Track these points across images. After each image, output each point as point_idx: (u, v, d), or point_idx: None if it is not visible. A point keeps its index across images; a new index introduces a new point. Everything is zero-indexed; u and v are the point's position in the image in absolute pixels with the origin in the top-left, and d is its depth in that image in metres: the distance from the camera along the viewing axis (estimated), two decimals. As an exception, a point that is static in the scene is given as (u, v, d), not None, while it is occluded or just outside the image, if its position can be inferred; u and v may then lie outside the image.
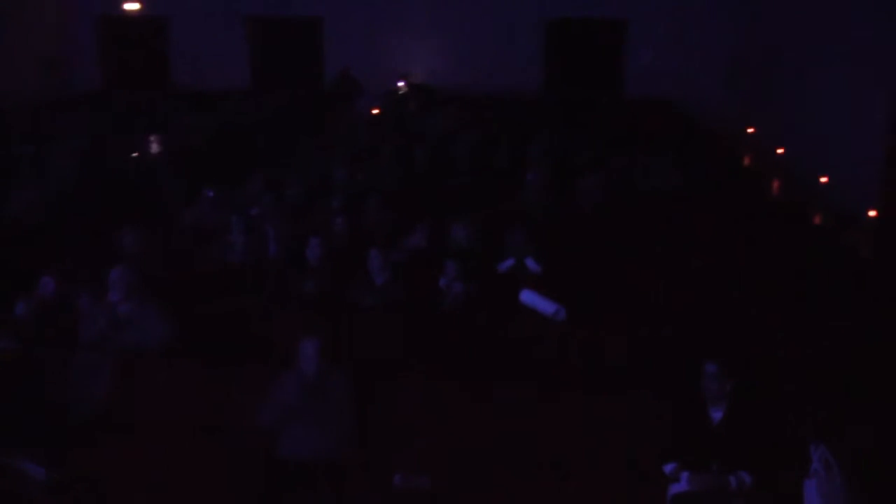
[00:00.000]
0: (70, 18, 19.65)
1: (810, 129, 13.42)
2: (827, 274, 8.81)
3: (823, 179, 12.60)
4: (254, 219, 9.73)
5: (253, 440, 5.78)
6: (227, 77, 18.77)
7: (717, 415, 5.37)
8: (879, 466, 5.42)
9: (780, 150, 14.64)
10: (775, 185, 13.75)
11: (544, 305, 7.48)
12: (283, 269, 8.54)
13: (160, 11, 19.62)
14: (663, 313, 7.65)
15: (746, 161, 15.47)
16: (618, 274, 8.43)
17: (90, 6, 19.56)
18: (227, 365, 6.52)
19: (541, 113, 16.39)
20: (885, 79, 10.77)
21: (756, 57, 17.02)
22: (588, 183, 10.80)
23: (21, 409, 5.96)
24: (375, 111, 17.59)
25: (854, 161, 11.71)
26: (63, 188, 11.21)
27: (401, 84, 18.55)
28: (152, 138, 13.97)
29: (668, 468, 5.36)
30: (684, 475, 5.27)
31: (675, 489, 5.34)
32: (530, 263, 8.73)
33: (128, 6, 19.47)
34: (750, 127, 16.56)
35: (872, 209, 11.07)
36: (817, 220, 11.88)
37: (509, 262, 8.78)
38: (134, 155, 13.05)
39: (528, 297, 7.62)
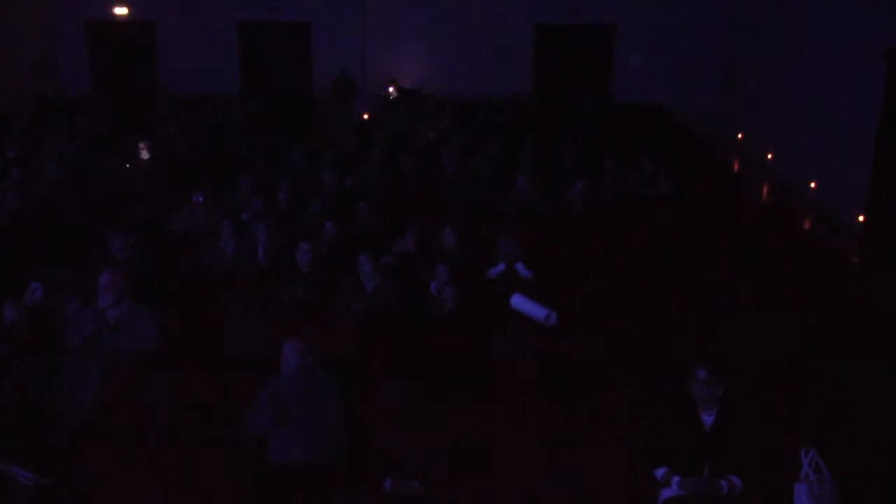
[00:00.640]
0: (59, 23, 19.58)
1: (799, 135, 13.47)
2: (816, 279, 8.84)
3: (812, 185, 12.65)
4: (244, 223, 9.72)
5: (243, 446, 5.76)
6: (215, 81, 18.71)
7: (708, 419, 5.38)
8: (869, 471, 5.44)
9: (769, 156, 14.68)
10: (764, 190, 13.79)
11: (535, 310, 7.46)
12: (273, 274, 8.52)
13: (148, 16, 19.57)
14: (651, 317, 7.67)
15: (735, 166, 15.52)
16: (606, 278, 8.45)
17: (79, 11, 19.48)
18: (217, 371, 6.49)
19: (530, 117, 16.41)
20: (874, 84, 10.81)
21: (745, 62, 17.08)
22: (577, 187, 10.82)
23: (9, 415, 5.92)
24: (365, 116, 17.60)
25: (842, 166, 11.76)
26: (51, 192, 11.16)
27: (390, 89, 18.55)
28: (141, 143, 13.92)
29: (660, 473, 5.36)
30: (675, 480, 5.28)
31: (666, 494, 5.34)
32: (521, 269, 8.73)
33: (116, 11, 19.42)
34: (739, 132, 16.60)
35: (861, 214, 11.11)
36: (806, 225, 11.92)
37: (500, 268, 8.79)
38: (122, 159, 12.99)
39: (518, 301, 7.60)
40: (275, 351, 5.91)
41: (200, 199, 10.23)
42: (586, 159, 12.75)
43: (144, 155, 13.55)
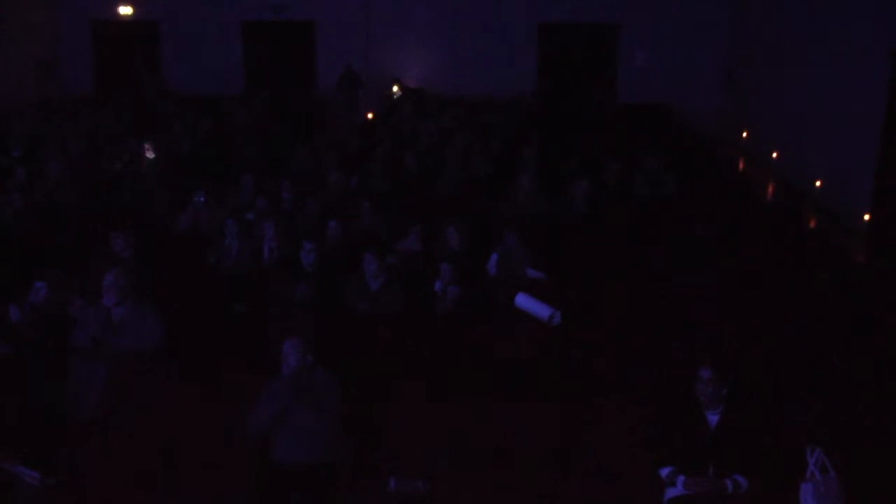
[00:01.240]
0: (63, 23, 19.63)
1: (804, 134, 13.45)
2: (821, 277, 8.82)
3: (818, 184, 12.63)
4: (249, 223, 9.72)
5: (246, 445, 5.76)
6: (219, 81, 18.76)
7: (713, 419, 5.37)
8: (875, 470, 5.42)
9: (774, 155, 14.66)
10: (770, 189, 13.77)
11: (539, 309, 7.45)
12: (277, 273, 8.52)
13: (152, 16, 19.60)
14: (656, 317, 7.65)
15: (741, 165, 15.50)
16: (611, 278, 8.44)
17: (83, 11, 19.53)
18: (221, 370, 6.49)
19: (534, 117, 16.40)
20: (879, 83, 10.80)
21: (750, 61, 17.05)
22: (581, 187, 10.80)
23: (15, 414, 5.93)
24: (369, 115, 17.61)
25: (848, 165, 11.74)
26: (56, 192, 11.17)
27: (394, 88, 18.55)
28: (145, 143, 13.92)
29: (665, 472, 5.35)
30: (680, 479, 5.27)
31: (671, 493, 5.33)
32: (531, 272, 8.71)
33: (121, 11, 19.45)
34: (744, 131, 16.58)
35: (866, 213, 11.10)
36: (812, 223, 11.90)
37: (494, 257, 8.79)
38: (127, 159, 13.00)
39: (523, 301, 7.58)
40: (279, 350, 5.90)
41: (202, 198, 10.22)
42: (590, 159, 12.72)
43: (149, 155, 13.55)
